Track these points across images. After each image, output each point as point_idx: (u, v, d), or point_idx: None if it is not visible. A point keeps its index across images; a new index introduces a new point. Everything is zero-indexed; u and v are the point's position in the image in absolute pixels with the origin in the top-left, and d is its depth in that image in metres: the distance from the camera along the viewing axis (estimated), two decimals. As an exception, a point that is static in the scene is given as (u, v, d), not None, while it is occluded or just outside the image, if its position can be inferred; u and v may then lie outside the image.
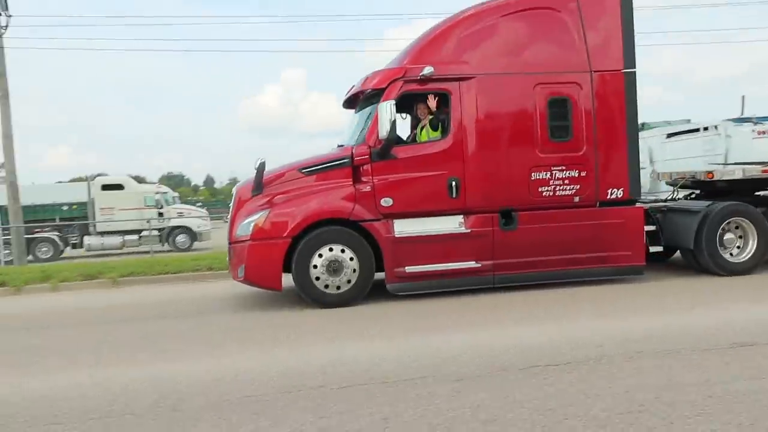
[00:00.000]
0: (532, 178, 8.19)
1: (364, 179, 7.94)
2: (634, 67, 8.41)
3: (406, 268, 7.94)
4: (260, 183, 8.00)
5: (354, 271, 7.84)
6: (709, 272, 8.73)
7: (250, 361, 5.41)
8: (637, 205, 8.77)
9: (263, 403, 4.24)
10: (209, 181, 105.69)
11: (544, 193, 8.23)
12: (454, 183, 8.01)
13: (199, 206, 36.60)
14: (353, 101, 9.11)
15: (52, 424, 4.05)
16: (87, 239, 23.49)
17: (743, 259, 8.71)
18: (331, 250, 7.81)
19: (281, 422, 3.85)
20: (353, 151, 8.00)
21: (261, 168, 7.96)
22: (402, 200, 7.97)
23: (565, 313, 6.89)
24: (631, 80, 8.39)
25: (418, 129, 8.64)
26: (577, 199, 8.32)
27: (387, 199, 7.91)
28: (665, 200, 9.96)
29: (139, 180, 24.48)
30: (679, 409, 3.72)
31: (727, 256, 8.69)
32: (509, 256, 8.17)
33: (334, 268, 7.78)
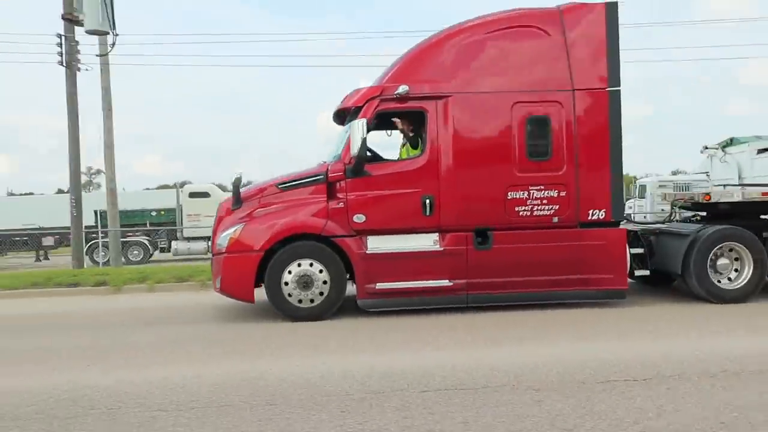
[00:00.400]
0: (509, 198, 8.10)
1: (338, 195, 8.07)
2: (619, 86, 8.19)
3: (377, 284, 8.00)
4: (238, 197, 8.26)
5: (325, 283, 7.96)
6: (701, 299, 8.38)
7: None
8: (622, 226, 8.53)
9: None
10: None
11: (521, 213, 8.12)
12: (428, 201, 8.02)
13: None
14: (342, 117, 9.24)
15: (158, 410, 4.49)
16: (174, 244, 24.15)
17: (737, 286, 8.31)
18: (299, 265, 7.95)
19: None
20: (328, 168, 8.15)
21: (236, 183, 8.24)
22: (375, 217, 8.04)
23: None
24: (615, 99, 8.18)
25: (401, 147, 8.72)
26: (556, 219, 8.17)
27: (360, 215, 8.01)
28: (661, 222, 9.61)
29: (222, 188, 25.53)
30: None
31: (722, 282, 8.31)
32: (484, 276, 8.09)
33: (304, 282, 7.93)
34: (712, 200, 8.74)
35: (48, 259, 23.05)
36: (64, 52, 15.84)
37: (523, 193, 8.10)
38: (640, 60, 47.98)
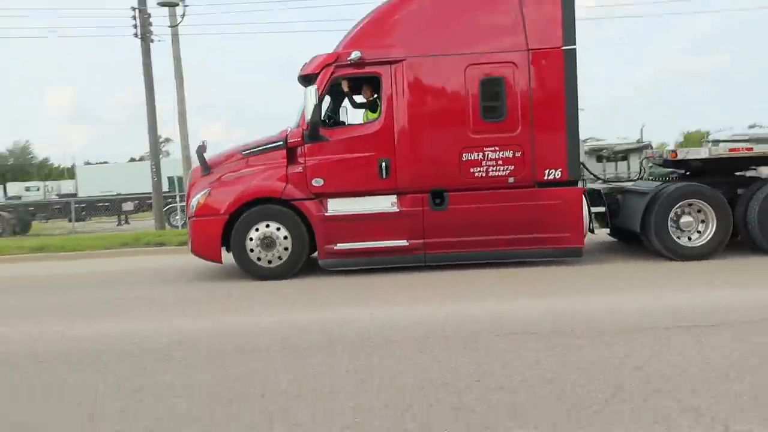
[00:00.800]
0: (463, 159, 8.23)
1: (298, 160, 8.40)
2: (574, 44, 8.15)
3: (337, 245, 8.33)
4: (205, 164, 8.71)
5: (286, 248, 8.35)
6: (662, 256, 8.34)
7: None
8: (590, 186, 8.54)
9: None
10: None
11: (476, 174, 8.24)
12: (384, 164, 8.24)
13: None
14: (306, 83, 9.46)
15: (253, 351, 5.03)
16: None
17: (698, 244, 8.23)
18: (267, 226, 8.35)
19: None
20: (288, 134, 8.48)
21: (199, 150, 8.69)
22: (332, 181, 8.34)
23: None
24: (571, 57, 8.14)
25: (364, 112, 8.95)
26: (511, 180, 8.26)
27: (318, 179, 8.32)
28: (629, 180, 9.53)
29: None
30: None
31: (682, 240, 8.24)
32: (440, 236, 8.29)
33: (267, 243, 8.33)
34: (678, 157, 8.62)
35: (128, 223, 24.24)
36: (138, 24, 16.55)
37: (478, 155, 8.21)
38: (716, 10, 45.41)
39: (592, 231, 8.67)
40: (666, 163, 9.30)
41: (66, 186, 49.60)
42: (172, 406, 3.81)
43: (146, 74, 16.83)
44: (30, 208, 24.61)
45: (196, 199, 8.54)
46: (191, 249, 8.70)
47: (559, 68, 8.14)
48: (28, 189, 51.31)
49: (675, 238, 8.20)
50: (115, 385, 4.27)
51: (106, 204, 25.06)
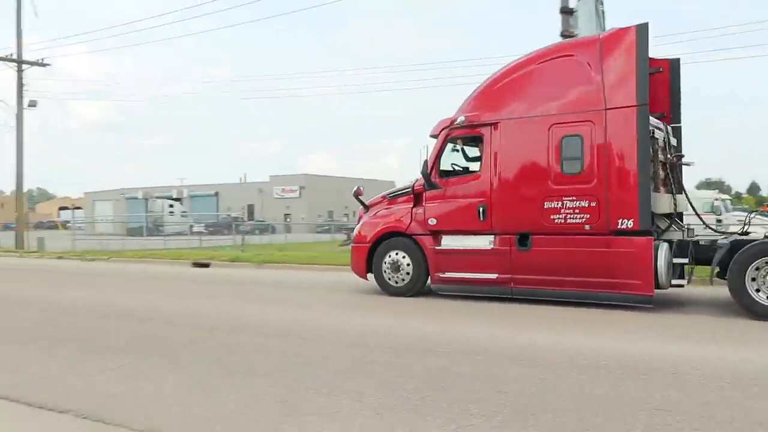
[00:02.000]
0: (545, 207, 9.42)
1: (420, 204, 10.71)
2: (647, 102, 8.66)
3: (445, 273, 10.38)
4: (364, 204, 11.65)
5: (408, 272, 10.72)
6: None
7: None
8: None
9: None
10: (754, 188, 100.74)
11: (555, 220, 9.34)
12: (482, 209, 9.98)
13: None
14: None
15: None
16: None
17: (774, 303, 7.85)
18: (396, 254, 10.86)
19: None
20: (415, 183, 10.84)
21: (355, 193, 11.61)
22: (443, 221, 10.42)
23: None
24: (643, 114, 8.67)
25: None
26: (587, 227, 9.12)
27: (433, 219, 10.50)
28: (728, 233, 9.14)
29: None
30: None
31: (760, 297, 7.99)
32: (524, 273, 9.63)
33: (395, 267, 10.84)
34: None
35: None
36: None
37: (558, 203, 9.32)
38: None
39: (680, 284, 8.83)
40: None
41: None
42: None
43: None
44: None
45: (356, 230, 11.54)
46: (351, 268, 11.70)
47: (632, 125, 8.73)
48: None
49: (753, 294, 8.00)
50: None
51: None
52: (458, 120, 10.13)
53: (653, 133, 9.08)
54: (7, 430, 4.46)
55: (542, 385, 5.13)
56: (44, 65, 29.31)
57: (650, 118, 8.94)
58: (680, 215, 10.39)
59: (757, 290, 8.03)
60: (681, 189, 10.13)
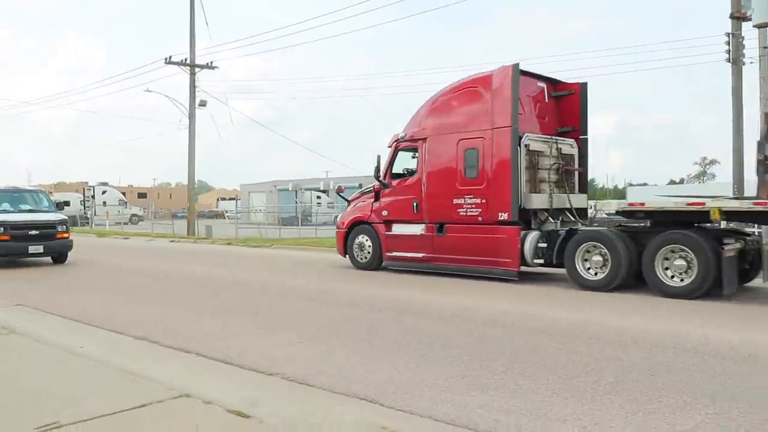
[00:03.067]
0: (454, 203, 12.38)
1: (378, 199, 13.99)
2: (517, 124, 11.37)
3: (392, 252, 13.62)
4: (346, 199, 15.15)
5: (369, 251, 14.06)
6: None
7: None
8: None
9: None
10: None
11: (460, 213, 12.24)
12: (416, 204, 13.10)
13: None
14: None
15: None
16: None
17: (598, 278, 10.34)
18: (362, 238, 14.23)
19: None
20: (376, 183, 14.13)
21: (337, 191, 15.14)
22: (392, 212, 13.63)
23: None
24: (515, 133, 11.36)
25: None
26: (480, 218, 11.96)
27: (385, 211, 13.75)
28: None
29: None
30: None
31: (587, 274, 10.50)
32: (441, 253, 12.64)
33: (361, 247, 14.22)
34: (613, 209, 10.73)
35: None
36: (731, 49, 16.94)
37: (461, 200, 12.26)
38: None
39: (540, 263, 11.38)
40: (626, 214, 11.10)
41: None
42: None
43: (735, 96, 17.13)
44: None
45: (338, 219, 15.08)
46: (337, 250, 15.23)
47: (507, 141, 11.46)
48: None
49: (581, 272, 10.54)
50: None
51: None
52: (401, 136, 13.31)
53: (556, 145, 12.19)
54: (226, 387, 5.05)
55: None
56: (213, 68, 31.09)
57: (553, 136, 12.15)
58: (584, 211, 12.86)
59: (588, 269, 10.54)
60: (572, 190, 12.56)
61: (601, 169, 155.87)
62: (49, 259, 16.14)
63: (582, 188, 13.04)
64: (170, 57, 29.61)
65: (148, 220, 45.26)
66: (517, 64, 11.57)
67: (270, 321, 8.32)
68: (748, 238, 10.11)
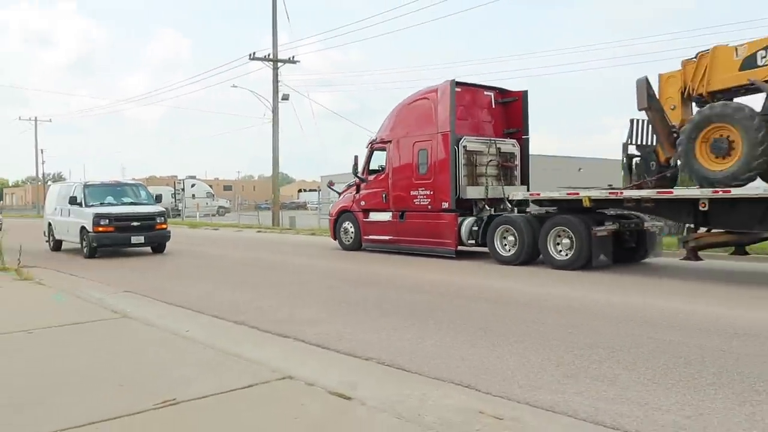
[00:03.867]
0: (411, 194, 14.97)
1: (359, 191, 16.75)
2: (454, 129, 13.86)
3: (368, 236, 16.40)
4: (337, 192, 18.05)
5: (351, 235, 16.86)
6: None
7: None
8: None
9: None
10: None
11: (416, 203, 14.81)
12: (385, 195, 15.75)
13: None
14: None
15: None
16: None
17: (510, 254, 12.75)
18: (346, 224, 17.04)
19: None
20: (356, 179, 16.93)
21: (329, 184, 18.06)
22: (368, 202, 16.35)
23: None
24: (453, 135, 13.85)
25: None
26: (429, 207, 14.50)
27: (362, 201, 16.51)
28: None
29: None
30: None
31: (503, 251, 12.94)
32: (403, 236, 15.27)
33: (345, 232, 17.05)
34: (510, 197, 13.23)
35: None
36: None
37: (417, 192, 14.86)
38: None
39: (472, 243, 13.75)
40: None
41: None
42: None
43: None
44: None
45: (330, 208, 18.02)
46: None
47: (447, 144, 13.92)
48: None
49: (498, 250, 12.97)
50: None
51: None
52: (373, 138, 16.10)
53: (495, 145, 14.63)
54: (325, 370, 5.21)
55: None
56: (294, 62, 31.28)
57: (491, 138, 14.65)
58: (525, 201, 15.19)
59: (504, 246, 12.96)
60: (512, 182, 14.97)
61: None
62: (148, 249, 16.97)
63: (524, 181, 15.35)
64: (254, 53, 30.32)
65: (234, 212, 46.09)
66: (453, 80, 14.15)
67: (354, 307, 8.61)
68: (626, 221, 12.25)
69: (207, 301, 8.96)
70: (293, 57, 31.41)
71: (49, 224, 18.58)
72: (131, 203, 16.98)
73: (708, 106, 10.34)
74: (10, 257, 12.71)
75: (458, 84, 14.59)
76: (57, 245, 18.20)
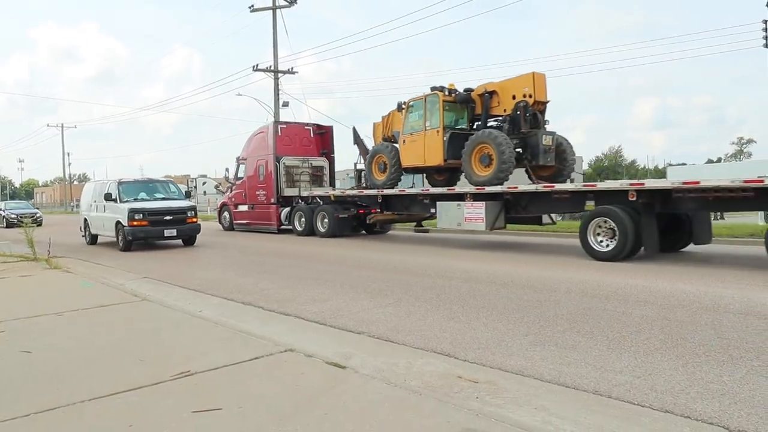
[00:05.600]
0: (256, 194, 22.19)
1: (232, 191, 23.96)
2: (275, 152, 21.16)
3: (237, 221, 23.59)
4: (221, 191, 27.48)
5: (228, 221, 24.10)
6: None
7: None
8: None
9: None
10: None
11: (258, 198, 22.15)
12: (244, 194, 23.11)
13: None
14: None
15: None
16: None
17: (301, 229, 19.58)
18: (225, 213, 24.35)
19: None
20: (229, 183, 24.15)
21: (215, 186, 22.01)
22: (236, 199, 23.67)
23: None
24: (276, 156, 21.15)
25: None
26: (265, 201, 21.80)
27: (233, 198, 23.89)
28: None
29: None
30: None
31: (299, 228, 19.82)
32: (252, 220, 22.56)
33: (225, 219, 24.32)
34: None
35: (723, 218, 24.48)
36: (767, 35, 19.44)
37: (258, 192, 21.94)
38: None
39: (287, 224, 20.81)
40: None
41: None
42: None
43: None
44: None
45: (217, 202, 27.11)
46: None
47: (272, 161, 21.22)
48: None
49: (295, 226, 20.12)
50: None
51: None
52: (239, 156, 23.21)
53: (309, 161, 21.55)
54: (322, 343, 5.52)
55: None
56: (293, 73, 33.98)
57: (308, 156, 21.73)
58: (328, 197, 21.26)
59: (299, 224, 19.91)
60: (321, 185, 21.91)
61: (642, 151, 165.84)
62: (170, 241, 17.27)
63: (332, 184, 22.70)
64: (257, 65, 32.89)
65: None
66: (277, 121, 22.40)
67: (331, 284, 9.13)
68: (363, 208, 19.10)
69: (217, 285, 9.46)
70: (292, 68, 34.39)
71: (85, 220, 18.87)
72: (163, 198, 16.91)
73: (480, 131, 13.82)
74: (41, 249, 13.45)
75: (283, 122, 22.12)
76: (93, 239, 18.48)
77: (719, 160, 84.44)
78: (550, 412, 3.72)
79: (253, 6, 30.93)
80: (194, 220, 16.58)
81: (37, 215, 32.12)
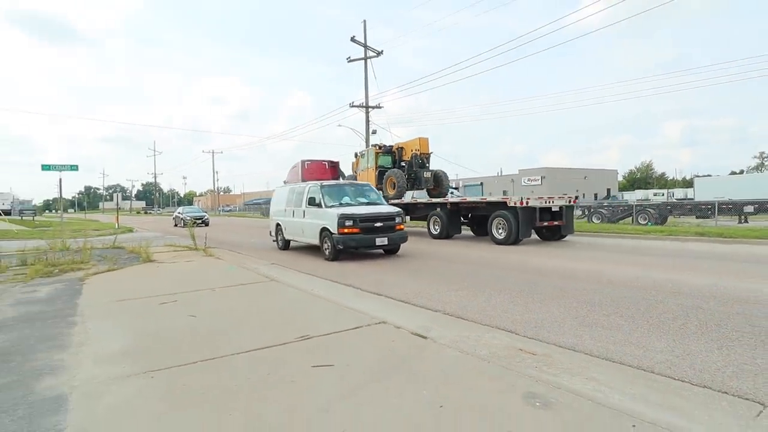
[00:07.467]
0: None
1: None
2: (301, 178, 16.68)
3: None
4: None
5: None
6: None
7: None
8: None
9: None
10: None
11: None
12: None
13: None
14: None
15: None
16: None
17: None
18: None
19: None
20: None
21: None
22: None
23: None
24: (303, 180, 16.16)
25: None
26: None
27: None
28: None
29: None
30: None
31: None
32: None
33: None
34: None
35: (747, 222, 22.90)
36: None
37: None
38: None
39: None
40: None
41: (678, 193, 55.59)
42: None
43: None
44: (668, 207, 24.66)
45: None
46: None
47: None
48: (655, 194, 59.92)
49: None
50: None
51: (729, 206, 23.69)
52: (284, 181, 18.79)
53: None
54: (407, 318, 5.63)
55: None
56: (380, 107, 35.59)
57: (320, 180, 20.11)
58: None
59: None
60: None
61: (671, 165, 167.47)
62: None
63: None
64: (353, 102, 35.09)
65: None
66: (304, 160, 17.77)
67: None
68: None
69: (323, 270, 10.00)
70: (379, 104, 35.97)
71: (278, 225, 15.48)
72: (367, 203, 12.97)
73: (389, 170, 19.50)
74: (207, 243, 14.80)
75: (308, 160, 19.35)
76: (285, 245, 14.98)
77: (741, 171, 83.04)
78: (599, 382, 3.71)
79: (350, 57, 32.45)
80: (401, 227, 12.46)
81: (206, 217, 34.40)
